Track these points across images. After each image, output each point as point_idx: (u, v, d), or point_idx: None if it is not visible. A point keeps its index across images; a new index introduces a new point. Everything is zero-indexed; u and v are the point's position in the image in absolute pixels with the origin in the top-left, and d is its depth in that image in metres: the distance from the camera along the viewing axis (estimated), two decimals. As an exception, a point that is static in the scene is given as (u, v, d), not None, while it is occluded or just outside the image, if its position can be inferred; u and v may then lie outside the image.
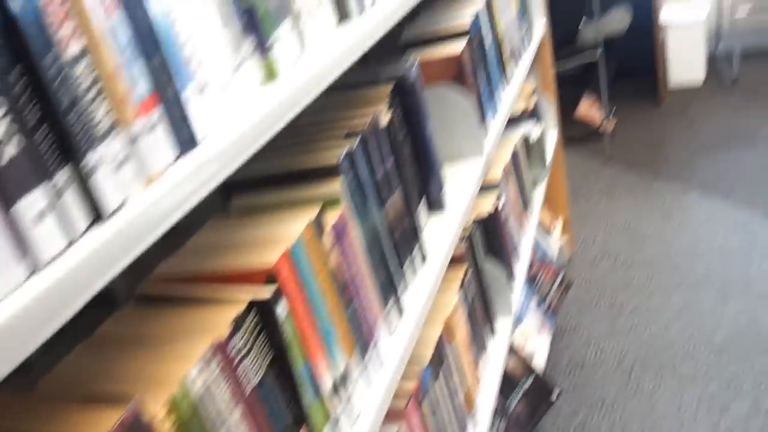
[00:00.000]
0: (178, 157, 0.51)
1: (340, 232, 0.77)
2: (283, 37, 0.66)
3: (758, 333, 2.11)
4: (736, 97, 3.65)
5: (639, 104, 3.85)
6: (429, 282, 1.03)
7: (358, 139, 0.84)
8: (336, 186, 0.79)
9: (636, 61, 3.80)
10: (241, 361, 0.59)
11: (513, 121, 2.03)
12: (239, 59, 0.59)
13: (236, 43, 0.59)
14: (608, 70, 3.38)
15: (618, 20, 3.28)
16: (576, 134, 3.57)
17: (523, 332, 2.05)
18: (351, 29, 0.81)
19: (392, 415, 0.95)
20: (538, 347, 2.05)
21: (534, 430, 1.83)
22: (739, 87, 3.75)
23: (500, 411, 1.60)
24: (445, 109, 1.33)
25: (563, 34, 3.21)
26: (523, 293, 2.07)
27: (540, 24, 2.19)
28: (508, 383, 1.75)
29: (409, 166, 1.09)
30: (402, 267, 0.99)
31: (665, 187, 3.05)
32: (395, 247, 0.96)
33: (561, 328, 2.36)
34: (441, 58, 1.32)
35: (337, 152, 0.82)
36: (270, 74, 0.64)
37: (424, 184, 1.17)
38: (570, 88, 3.62)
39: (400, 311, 0.95)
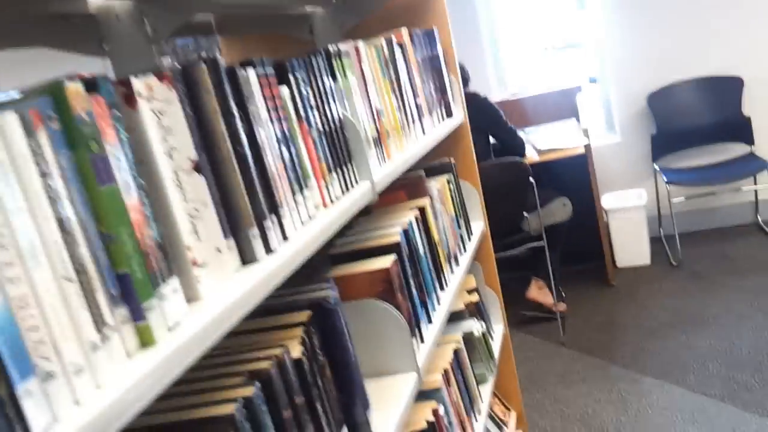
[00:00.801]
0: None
1: (229, 496, 0.71)
2: (166, 297, 0.65)
3: None
4: (682, 278, 3.75)
5: (589, 286, 3.92)
6: None
7: (258, 385, 0.80)
8: (229, 441, 0.74)
9: (583, 245, 3.92)
10: None
11: (455, 319, 2.01)
12: (105, 334, 0.56)
13: (102, 318, 0.56)
14: (555, 255, 3.47)
15: (559, 210, 3.42)
16: (528, 316, 3.58)
17: None
18: (254, 273, 0.80)
19: None
20: None
21: None
22: (683, 268, 3.86)
23: None
24: (374, 324, 1.31)
25: (508, 224, 3.32)
26: (475, 502, 1.94)
27: (479, 222, 2.26)
28: None
29: (327, 396, 1.04)
30: None
31: (620, 373, 3.01)
32: (306, 494, 0.89)
33: None
34: (368, 273, 1.32)
35: (233, 401, 0.77)
36: (146, 341, 0.61)
37: (346, 411, 1.11)
38: (520, 270, 3.68)
39: None
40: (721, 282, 3.60)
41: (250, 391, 0.80)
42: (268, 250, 0.86)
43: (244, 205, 0.81)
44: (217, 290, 0.75)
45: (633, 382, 2.92)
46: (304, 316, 1.05)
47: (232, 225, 0.80)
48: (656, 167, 4.09)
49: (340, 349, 1.10)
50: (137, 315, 0.61)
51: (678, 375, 2.88)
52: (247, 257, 0.83)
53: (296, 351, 0.94)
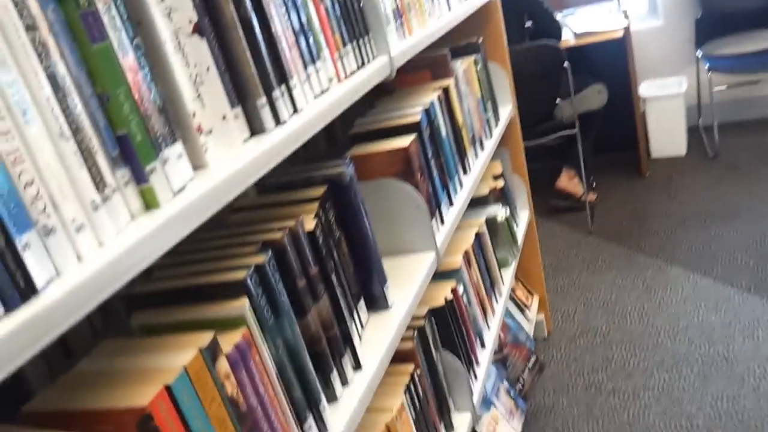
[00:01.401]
0: (6, 313, 0.47)
1: (240, 356, 0.73)
2: (170, 161, 0.64)
3: (740, 418, 2.04)
4: (718, 170, 3.66)
5: (622, 176, 3.86)
6: (360, 391, 0.99)
7: (269, 254, 0.81)
8: (240, 305, 0.76)
9: (617, 134, 3.83)
10: None
11: (479, 204, 2.01)
12: (106, 194, 0.56)
13: (102, 178, 0.56)
14: (588, 144, 3.39)
15: (594, 98, 3.31)
16: (558, 205, 3.56)
17: (493, 417, 1.98)
18: (262, 143, 0.79)
19: None
20: (508, 434, 1.98)
21: None
22: (720, 159, 3.76)
23: None
24: (393, 203, 1.31)
25: (540, 111, 3.23)
26: (493, 377, 2.01)
27: (507, 107, 2.20)
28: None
29: (344, 269, 1.06)
30: (329, 379, 0.94)
31: (647, 261, 3.01)
32: (319, 359, 0.92)
33: (537, 409, 2.29)
34: (387, 152, 1.31)
35: (245, 267, 0.79)
36: (150, 203, 0.62)
37: (363, 284, 1.14)
38: (552, 159, 3.63)
39: (322, 429, 0.90)
40: (757, 174, 3.50)
41: (262, 259, 0.81)
42: (278, 121, 0.85)
43: (250, 74, 0.79)
44: (224, 158, 0.75)
45: (659, 271, 2.92)
46: (319, 191, 1.05)
47: (239, 93, 0.79)
48: (698, 54, 3.90)
49: (356, 224, 1.11)
50: (139, 177, 0.61)
51: (705, 265, 2.87)
52: (255, 128, 0.82)
53: (310, 223, 0.95)
